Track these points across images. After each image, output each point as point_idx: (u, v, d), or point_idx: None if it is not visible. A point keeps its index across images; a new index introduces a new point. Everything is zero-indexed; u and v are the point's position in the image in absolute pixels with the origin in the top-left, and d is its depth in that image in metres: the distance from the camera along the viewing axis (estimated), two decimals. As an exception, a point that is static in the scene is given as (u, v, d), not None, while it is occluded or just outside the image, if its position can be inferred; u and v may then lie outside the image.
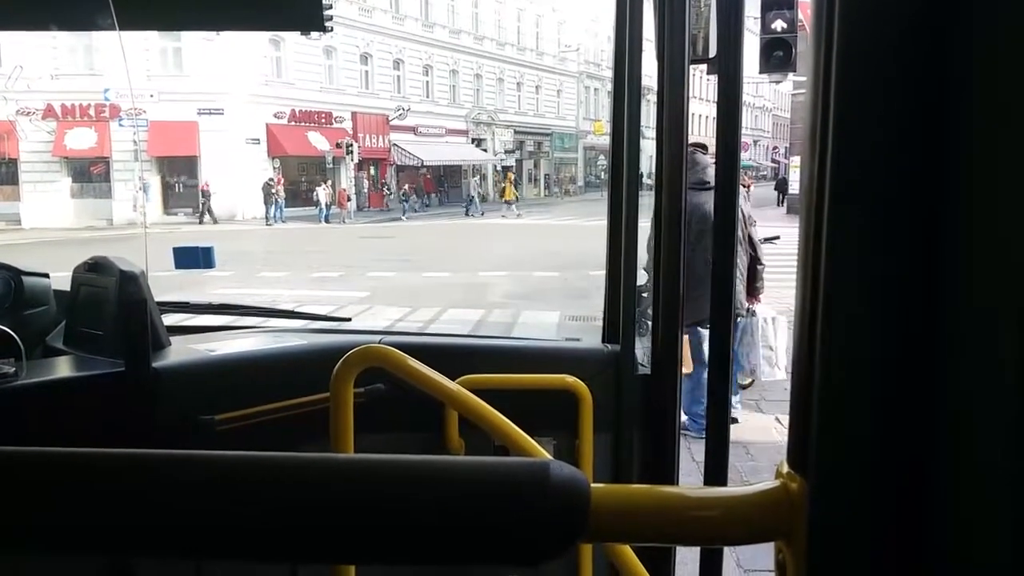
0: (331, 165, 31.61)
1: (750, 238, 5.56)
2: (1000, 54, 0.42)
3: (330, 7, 2.63)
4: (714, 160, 1.86)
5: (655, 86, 1.98)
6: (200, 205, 27.60)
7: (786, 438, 0.54)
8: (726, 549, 2.55)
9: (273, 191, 28.05)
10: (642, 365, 2.18)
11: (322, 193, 29.06)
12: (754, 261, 5.63)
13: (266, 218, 27.76)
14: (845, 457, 0.49)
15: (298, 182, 31.54)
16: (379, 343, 1.94)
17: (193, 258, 3.21)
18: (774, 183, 39.03)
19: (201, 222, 27.09)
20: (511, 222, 29.20)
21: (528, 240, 21.78)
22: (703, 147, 5.47)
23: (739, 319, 5.55)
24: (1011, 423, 0.42)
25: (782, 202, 31.64)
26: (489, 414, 1.52)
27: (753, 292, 5.77)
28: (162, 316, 2.21)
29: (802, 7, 6.37)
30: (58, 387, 1.88)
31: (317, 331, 2.56)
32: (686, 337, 2.20)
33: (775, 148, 60.67)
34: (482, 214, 32.28)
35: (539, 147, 45.17)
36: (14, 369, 1.81)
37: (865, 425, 0.48)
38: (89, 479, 0.52)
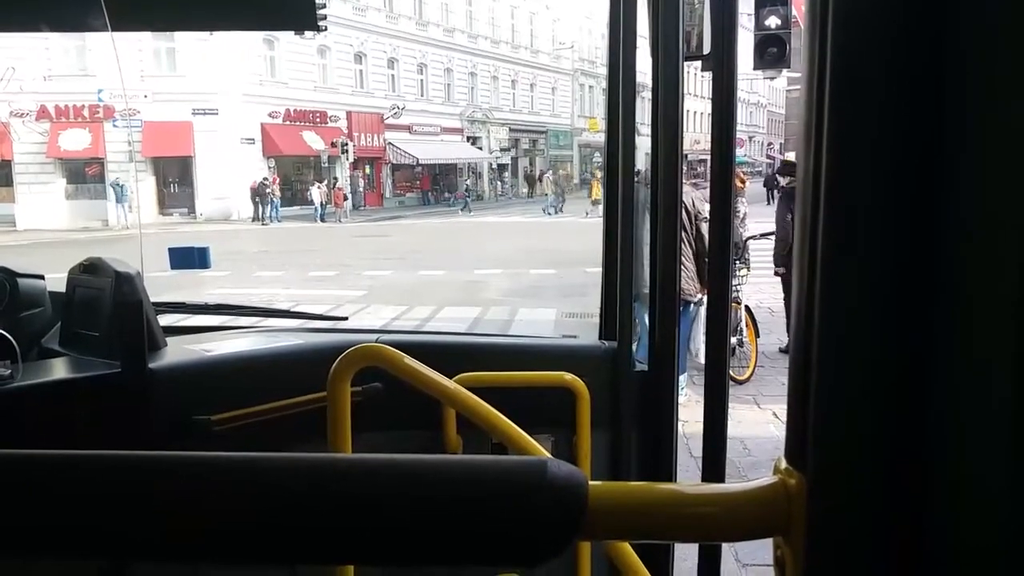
0: (326, 164, 31.57)
1: (699, 232, 6.00)
2: (996, 49, 0.42)
3: (324, 6, 2.62)
4: (709, 156, 1.86)
5: (650, 83, 1.98)
6: (253, 204, 28.03)
7: (784, 433, 0.54)
8: (725, 544, 2.56)
9: (268, 190, 28.04)
10: (639, 362, 2.18)
11: (316, 192, 29.03)
12: (702, 255, 6.02)
13: (261, 218, 27.74)
14: (843, 452, 0.49)
15: (294, 182, 31.51)
16: (376, 342, 1.94)
17: (189, 258, 3.21)
18: (763, 180, 38.34)
19: (257, 220, 27.52)
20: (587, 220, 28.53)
21: (525, 237, 21.75)
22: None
23: (691, 306, 6.20)
24: (1009, 419, 0.42)
25: (772, 199, 31.41)
26: (487, 412, 1.51)
27: (704, 282, 6.07)
28: (158, 317, 2.20)
29: (795, 3, 6.37)
30: (54, 389, 1.87)
31: (313, 330, 2.56)
32: None
33: (770, 144, 60.70)
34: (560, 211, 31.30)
35: (534, 145, 45.15)
36: (10, 371, 1.81)
37: (863, 420, 0.48)
38: (85, 481, 0.52)
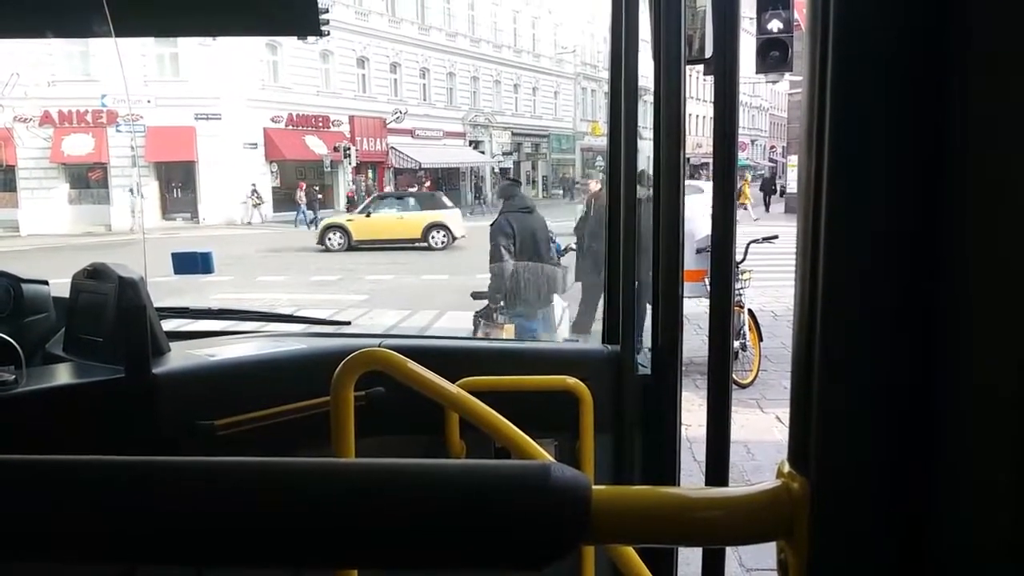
0: (329, 169, 31.62)
1: None
2: (997, 52, 0.42)
3: (326, 11, 2.63)
4: (712, 159, 1.87)
5: (652, 87, 1.98)
6: (312, 211, 28.54)
7: (787, 437, 0.54)
8: (728, 549, 2.55)
9: (297, 197, 28.49)
10: (642, 366, 2.18)
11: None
12: None
13: (295, 221, 27.92)
14: (846, 456, 0.49)
15: (294, 187, 31.60)
16: (379, 346, 1.94)
17: (192, 263, 3.22)
18: (759, 185, 36.78)
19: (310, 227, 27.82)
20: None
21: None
22: (517, 181, 7.36)
23: None
24: (1012, 422, 0.42)
25: (769, 206, 31.00)
26: (490, 416, 1.51)
27: None
28: (161, 322, 2.21)
29: (797, 7, 6.38)
30: (58, 394, 1.88)
31: (317, 335, 2.56)
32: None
33: (772, 147, 60.62)
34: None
35: (537, 149, 45.12)
36: (14, 376, 1.81)
37: (866, 424, 0.48)
38: (89, 486, 0.52)
